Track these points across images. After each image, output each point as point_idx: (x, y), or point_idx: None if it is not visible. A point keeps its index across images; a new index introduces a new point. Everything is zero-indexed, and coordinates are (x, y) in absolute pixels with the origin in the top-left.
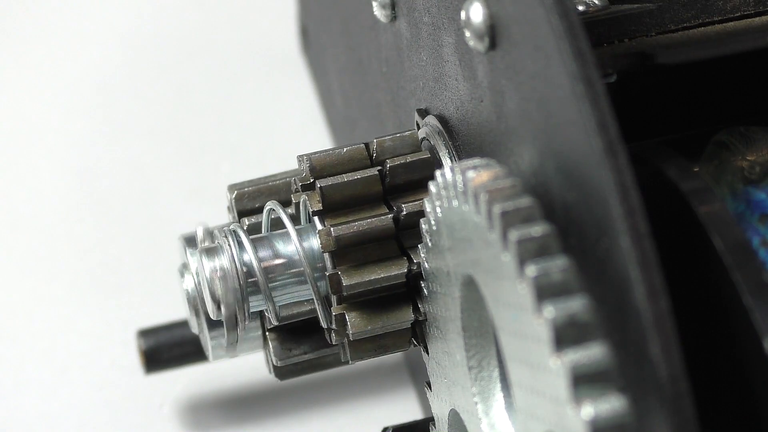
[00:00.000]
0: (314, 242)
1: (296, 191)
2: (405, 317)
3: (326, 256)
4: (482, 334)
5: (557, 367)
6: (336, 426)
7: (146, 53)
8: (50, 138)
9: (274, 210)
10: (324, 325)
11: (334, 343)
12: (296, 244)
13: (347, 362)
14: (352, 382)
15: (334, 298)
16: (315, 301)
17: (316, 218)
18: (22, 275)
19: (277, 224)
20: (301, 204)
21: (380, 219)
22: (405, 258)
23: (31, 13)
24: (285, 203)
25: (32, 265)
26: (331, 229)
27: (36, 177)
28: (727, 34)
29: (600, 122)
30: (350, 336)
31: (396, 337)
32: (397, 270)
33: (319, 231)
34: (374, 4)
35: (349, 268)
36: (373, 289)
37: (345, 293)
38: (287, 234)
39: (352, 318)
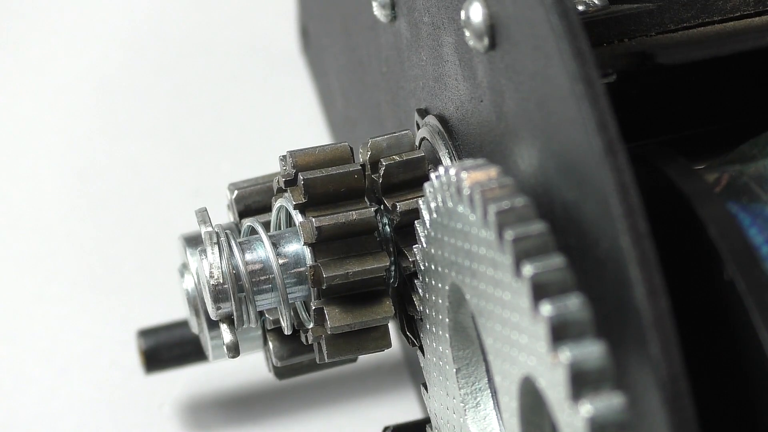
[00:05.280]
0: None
1: (278, 191)
2: (384, 313)
3: (307, 250)
4: (470, 339)
5: (556, 364)
6: (336, 426)
7: (146, 53)
8: (50, 138)
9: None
10: (288, 331)
11: (309, 342)
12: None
13: (323, 362)
14: (352, 382)
15: (313, 293)
16: (280, 304)
17: (297, 212)
18: (22, 275)
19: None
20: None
21: (361, 212)
22: (385, 252)
23: (31, 12)
24: None
25: (32, 265)
26: (313, 220)
27: (36, 177)
28: (727, 34)
29: (599, 122)
30: (328, 330)
31: (376, 336)
32: (376, 264)
33: (300, 223)
34: (374, 4)
35: (330, 261)
36: (353, 282)
37: (324, 285)
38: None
39: (331, 312)
